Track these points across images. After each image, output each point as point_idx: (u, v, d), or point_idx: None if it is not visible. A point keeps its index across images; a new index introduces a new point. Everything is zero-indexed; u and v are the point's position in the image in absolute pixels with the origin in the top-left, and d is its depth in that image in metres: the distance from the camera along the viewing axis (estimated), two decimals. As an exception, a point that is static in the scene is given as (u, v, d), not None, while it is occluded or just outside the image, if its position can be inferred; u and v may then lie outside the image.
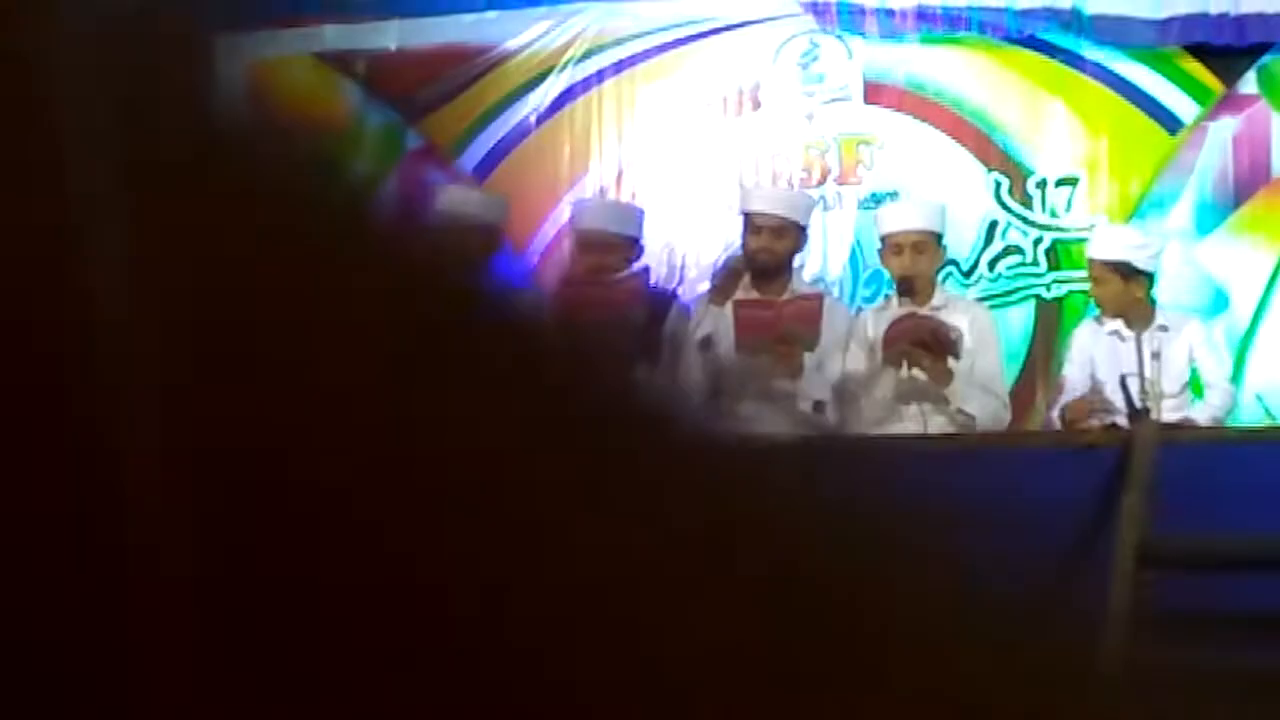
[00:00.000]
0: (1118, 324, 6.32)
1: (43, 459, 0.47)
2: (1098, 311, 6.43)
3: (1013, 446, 5.24)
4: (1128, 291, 6.22)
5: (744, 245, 6.28)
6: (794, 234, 6.31)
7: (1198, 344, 6.35)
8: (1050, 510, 4.35)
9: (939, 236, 6.36)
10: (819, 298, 6.16)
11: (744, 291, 6.21)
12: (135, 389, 0.47)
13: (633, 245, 6.38)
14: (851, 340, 6.34)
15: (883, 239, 6.38)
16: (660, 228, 7.66)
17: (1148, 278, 6.26)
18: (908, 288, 6.21)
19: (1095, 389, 6.21)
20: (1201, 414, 6.28)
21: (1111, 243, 6.31)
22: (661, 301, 6.35)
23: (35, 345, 0.48)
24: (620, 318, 6.07)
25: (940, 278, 7.48)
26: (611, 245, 6.31)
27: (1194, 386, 6.37)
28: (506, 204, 6.68)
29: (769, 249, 6.24)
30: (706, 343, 6.24)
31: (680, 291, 6.47)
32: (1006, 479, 4.88)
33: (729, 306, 6.12)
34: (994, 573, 0.59)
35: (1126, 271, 6.21)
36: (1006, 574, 0.59)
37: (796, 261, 6.40)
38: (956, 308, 6.36)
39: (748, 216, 6.31)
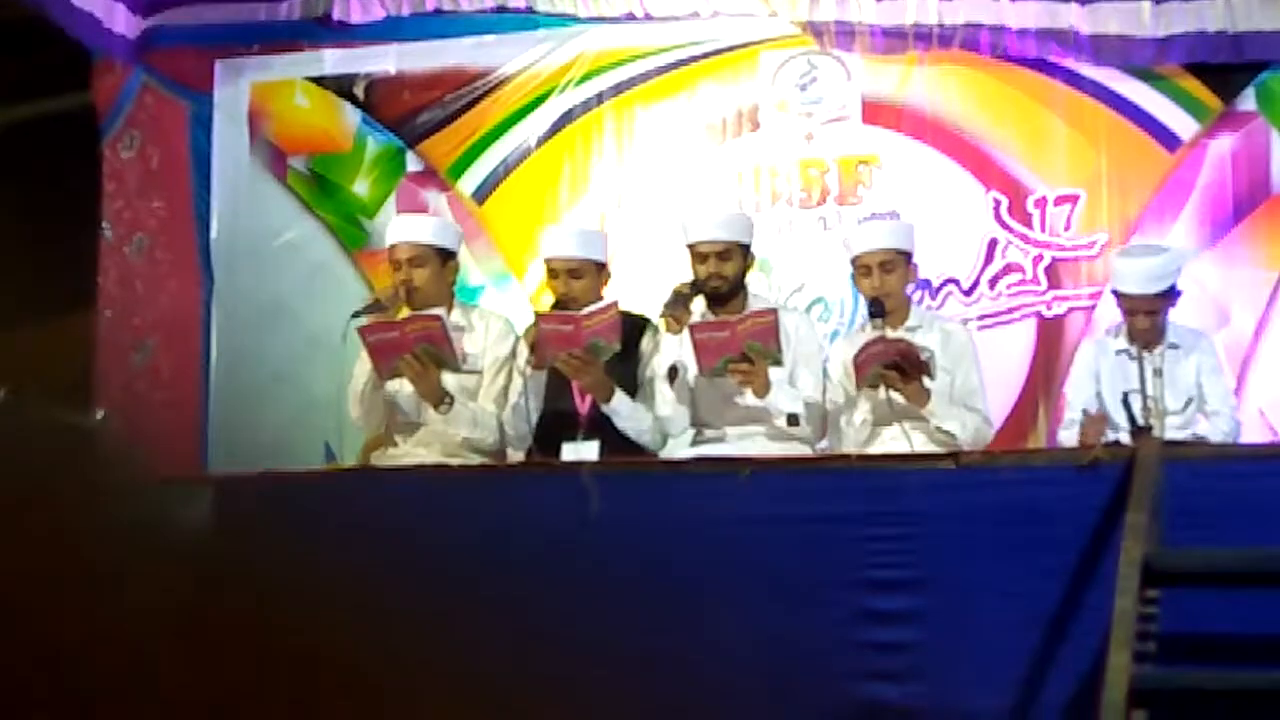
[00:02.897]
0: (1123, 342, 6.31)
1: None
2: (1111, 331, 6.43)
3: (1017, 464, 5.23)
4: (1159, 315, 6.22)
5: (694, 276, 6.31)
6: (739, 255, 6.32)
7: (1206, 370, 6.34)
8: (1056, 526, 4.37)
9: (908, 255, 6.35)
10: (773, 313, 6.16)
11: (699, 316, 6.24)
12: None
13: (600, 269, 6.39)
14: (829, 363, 6.36)
15: (852, 261, 6.38)
16: (658, 251, 7.67)
17: (1173, 295, 6.26)
18: (879, 308, 6.22)
19: (1101, 408, 6.21)
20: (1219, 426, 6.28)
21: (1144, 275, 6.24)
22: (637, 326, 6.35)
23: None
24: (590, 350, 6.06)
25: (935, 297, 7.51)
26: (578, 271, 6.32)
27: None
28: (460, 230, 6.73)
29: (718, 274, 6.26)
30: (673, 372, 6.24)
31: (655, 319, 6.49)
32: (1011, 496, 4.89)
33: (686, 333, 6.13)
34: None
35: (1164, 295, 6.21)
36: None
37: (749, 283, 6.41)
38: (930, 327, 6.36)
39: (692, 247, 6.34)
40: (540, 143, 8.10)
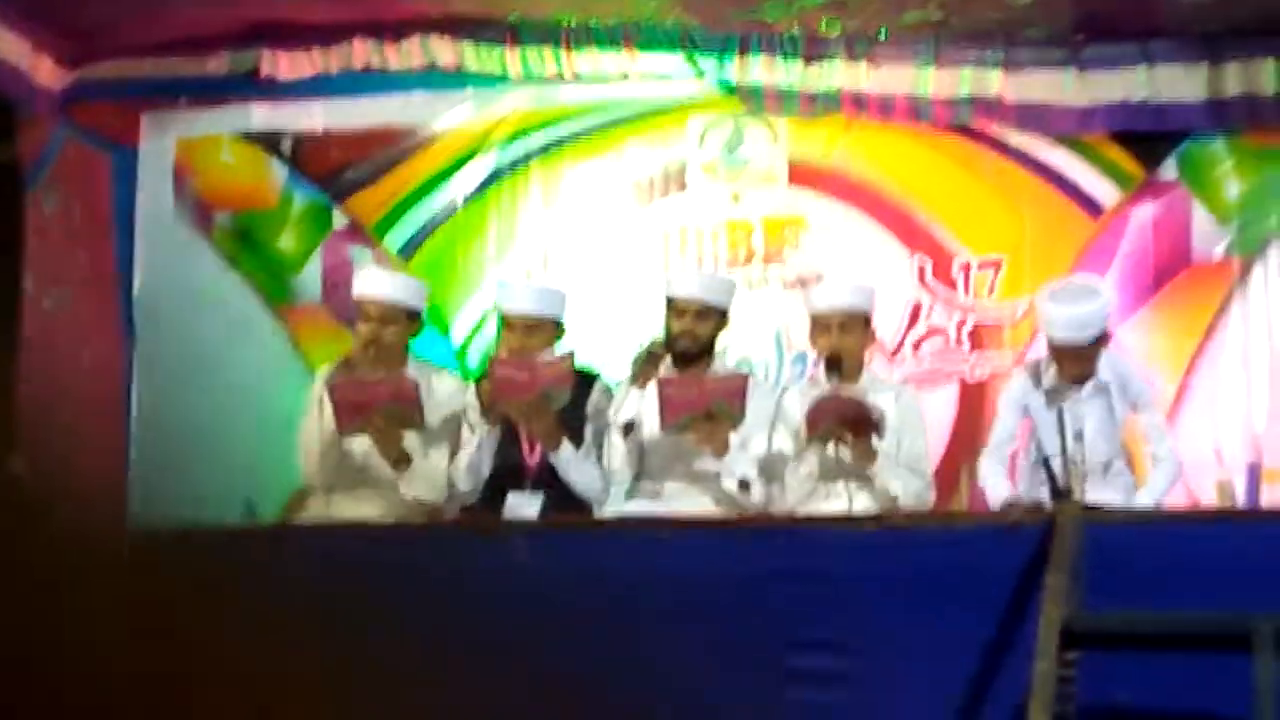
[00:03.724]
0: (1052, 378, 6.30)
1: None
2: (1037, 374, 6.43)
3: (938, 526, 5.25)
4: (1089, 362, 6.24)
5: (666, 329, 6.29)
6: (715, 318, 6.32)
7: (1142, 408, 6.36)
8: (977, 589, 4.38)
9: (868, 318, 6.37)
10: (745, 377, 6.18)
11: (666, 372, 6.22)
12: None
13: (556, 327, 6.38)
14: (778, 419, 6.33)
15: (811, 317, 6.39)
16: (585, 308, 7.68)
17: (1104, 339, 6.28)
18: (835, 365, 6.22)
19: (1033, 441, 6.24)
20: (1153, 487, 6.31)
21: (1073, 323, 6.23)
22: (586, 382, 6.35)
23: None
24: (543, 398, 6.06)
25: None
26: (535, 327, 6.31)
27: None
28: (426, 287, 6.68)
29: (690, 332, 6.25)
30: (629, 427, 6.23)
31: (604, 373, 6.47)
32: (933, 558, 4.90)
33: (652, 386, 6.12)
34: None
35: (1094, 343, 6.22)
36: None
37: (718, 345, 6.41)
38: (882, 389, 6.37)
39: (670, 301, 6.33)
40: (467, 200, 8.11)
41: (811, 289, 6.91)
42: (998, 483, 6.37)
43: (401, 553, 5.29)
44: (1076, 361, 6.23)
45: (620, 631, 4.92)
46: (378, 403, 6.10)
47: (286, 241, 8.23)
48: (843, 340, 6.26)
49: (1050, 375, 6.34)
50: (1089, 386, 6.26)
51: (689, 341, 6.24)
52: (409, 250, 8.11)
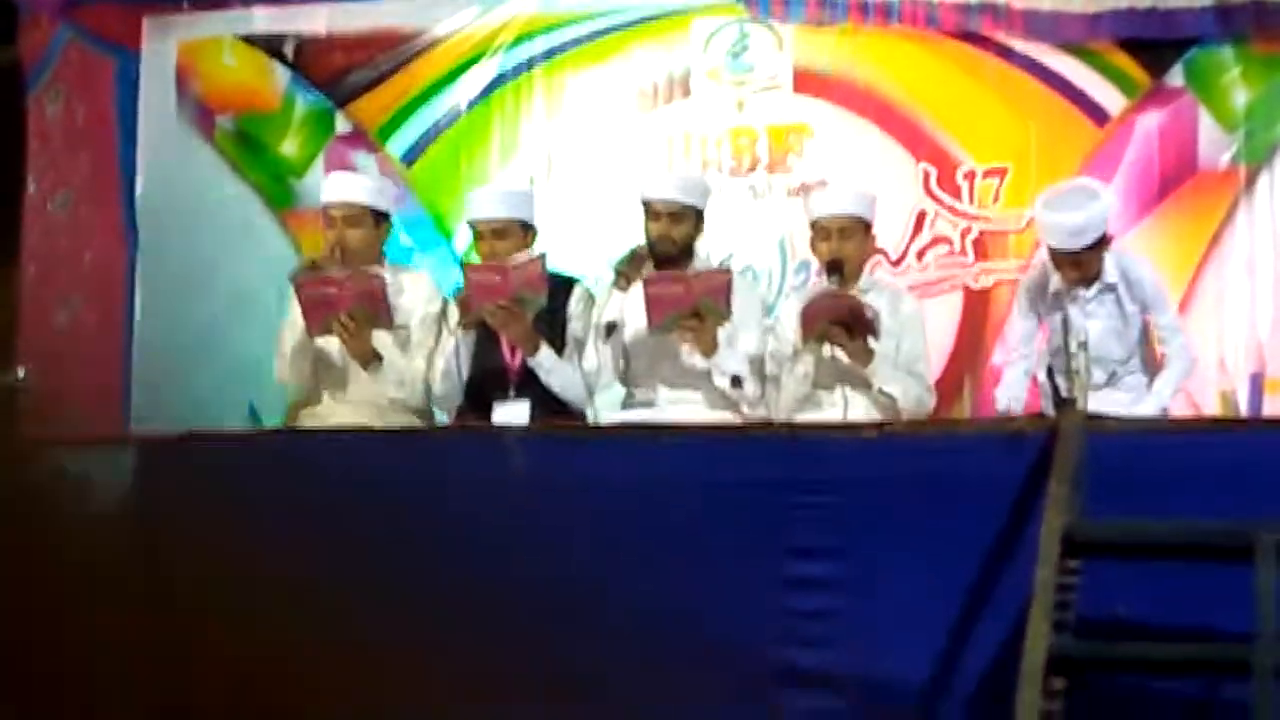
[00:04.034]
0: (1057, 282, 6.31)
1: None
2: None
3: (940, 434, 5.26)
4: (1087, 266, 6.24)
5: (645, 233, 6.30)
6: (691, 219, 6.32)
7: (1153, 307, 6.37)
8: (979, 497, 4.39)
9: (868, 225, 6.36)
10: (728, 273, 6.18)
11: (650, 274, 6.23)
12: None
13: (525, 230, 6.37)
14: (780, 318, 6.34)
15: (812, 224, 6.39)
16: (588, 215, 7.66)
17: (1104, 242, 6.29)
18: (836, 270, 6.22)
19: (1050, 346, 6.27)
20: (1165, 384, 6.32)
21: (1068, 231, 6.22)
22: (566, 287, 6.34)
23: None
24: (517, 301, 6.06)
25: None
26: (503, 231, 6.30)
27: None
28: (396, 192, 6.68)
29: (668, 235, 6.26)
30: (611, 328, 6.24)
31: (586, 276, 6.48)
32: (934, 466, 4.91)
33: (637, 287, 6.12)
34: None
35: (1091, 247, 6.23)
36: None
37: (698, 246, 6.41)
38: (880, 291, 6.37)
39: (646, 204, 6.33)
40: (471, 106, 8.06)
41: (812, 195, 6.90)
42: (1016, 387, 6.40)
43: (400, 457, 5.31)
44: (1076, 267, 6.25)
45: (617, 539, 4.93)
46: (343, 302, 6.11)
47: (289, 146, 8.19)
48: (843, 246, 6.26)
49: (1055, 279, 6.35)
50: (1095, 288, 6.28)
51: (668, 244, 6.25)
52: (412, 156, 8.08)
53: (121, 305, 8.15)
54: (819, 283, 6.43)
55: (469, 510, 5.00)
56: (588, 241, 7.52)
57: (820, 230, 6.32)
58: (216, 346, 7.93)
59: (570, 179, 7.88)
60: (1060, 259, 6.26)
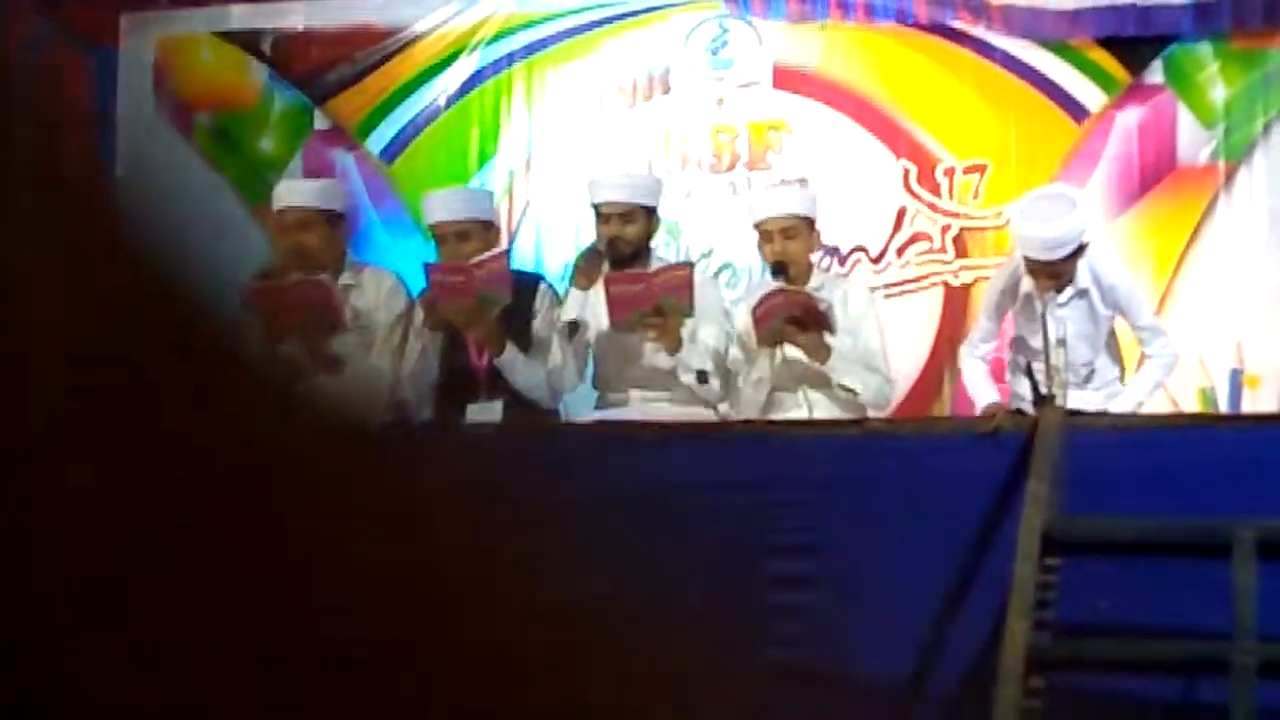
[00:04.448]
0: (1030, 284, 6.28)
1: None
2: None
3: (919, 431, 5.26)
4: (1062, 277, 6.19)
5: (598, 237, 6.28)
6: (642, 218, 6.29)
7: (1130, 309, 6.34)
8: (958, 495, 4.39)
9: (811, 222, 6.32)
10: (689, 267, 6.15)
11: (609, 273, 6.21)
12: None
13: (486, 229, 6.33)
14: (730, 324, 6.31)
15: (755, 227, 6.34)
16: (568, 213, 7.65)
17: (1078, 253, 6.24)
18: (782, 272, 6.19)
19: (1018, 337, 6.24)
20: (1145, 381, 6.31)
21: (1043, 244, 6.16)
22: (530, 286, 6.31)
23: None
24: (480, 301, 6.01)
25: (845, 264, 7.51)
26: (464, 233, 6.25)
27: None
28: (344, 190, 6.63)
29: (620, 236, 6.23)
30: (574, 327, 6.21)
31: (548, 275, 6.45)
32: (914, 463, 4.90)
33: (597, 287, 6.10)
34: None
35: (1066, 259, 6.18)
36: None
37: (655, 247, 6.39)
38: (831, 287, 6.33)
39: (596, 208, 6.31)
40: (450, 102, 8.05)
41: (753, 198, 6.84)
42: (980, 381, 6.38)
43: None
44: (1051, 277, 6.19)
45: (594, 538, 4.92)
46: (294, 311, 6.01)
47: (267, 143, 8.17)
48: (788, 247, 6.21)
49: (1027, 282, 6.33)
50: (1067, 293, 6.24)
51: (622, 245, 6.22)
52: (391, 153, 8.07)
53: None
54: (766, 283, 6.40)
55: (441, 509, 4.98)
56: (567, 238, 7.51)
57: (764, 233, 6.28)
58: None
59: (550, 175, 7.87)
60: (1036, 268, 6.22)
